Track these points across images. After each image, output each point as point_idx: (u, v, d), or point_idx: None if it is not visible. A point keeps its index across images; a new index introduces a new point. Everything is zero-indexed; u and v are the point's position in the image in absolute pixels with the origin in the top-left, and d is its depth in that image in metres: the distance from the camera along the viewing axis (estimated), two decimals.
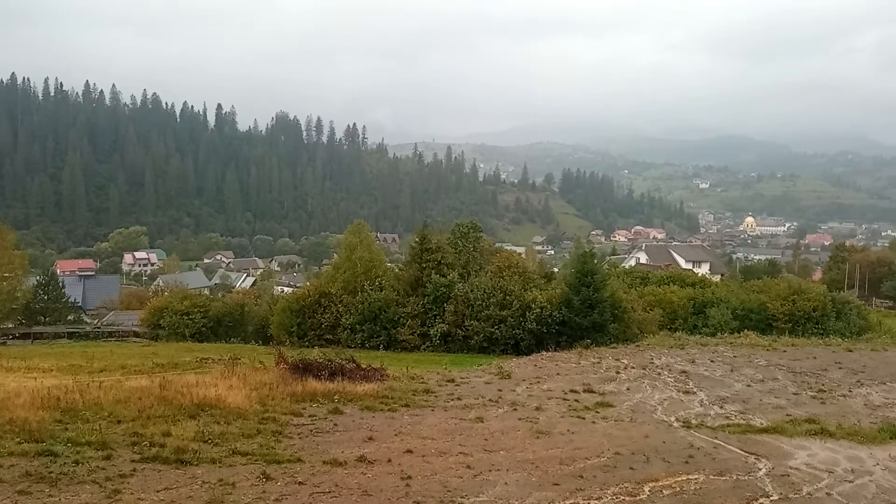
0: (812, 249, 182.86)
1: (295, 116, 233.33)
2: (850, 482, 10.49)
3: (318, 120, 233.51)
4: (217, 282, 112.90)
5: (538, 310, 32.86)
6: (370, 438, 11.59)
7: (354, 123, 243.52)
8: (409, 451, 10.84)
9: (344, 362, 16.88)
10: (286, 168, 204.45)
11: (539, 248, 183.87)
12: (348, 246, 40.26)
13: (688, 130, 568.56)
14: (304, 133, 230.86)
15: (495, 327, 33.03)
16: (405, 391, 15.74)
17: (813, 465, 11.27)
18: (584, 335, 30.98)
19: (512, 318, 33.08)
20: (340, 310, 36.06)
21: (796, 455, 11.78)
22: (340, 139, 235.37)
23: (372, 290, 35.59)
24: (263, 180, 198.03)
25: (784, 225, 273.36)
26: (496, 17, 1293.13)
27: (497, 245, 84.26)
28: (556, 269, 62.62)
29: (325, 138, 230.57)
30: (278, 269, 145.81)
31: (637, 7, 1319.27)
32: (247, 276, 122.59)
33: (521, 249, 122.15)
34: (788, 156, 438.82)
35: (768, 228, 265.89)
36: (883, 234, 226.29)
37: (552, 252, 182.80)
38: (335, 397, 14.23)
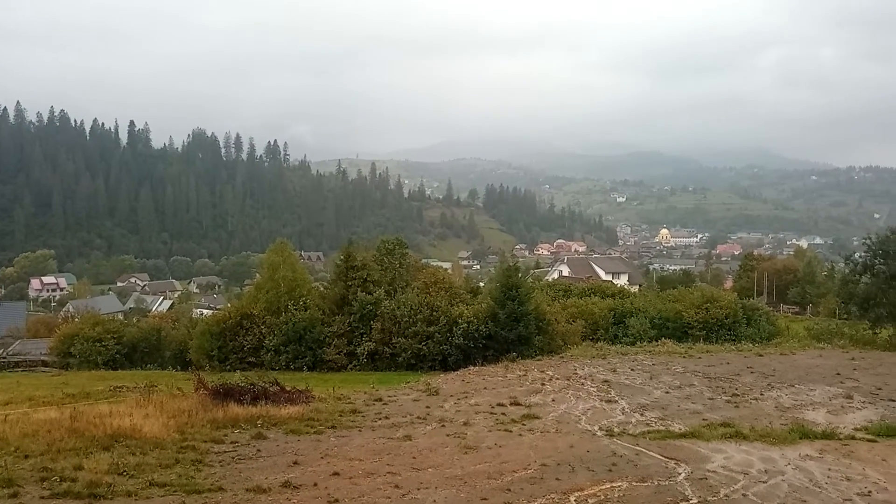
0: (723, 259, 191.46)
1: (212, 133, 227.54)
2: (763, 482, 10.96)
3: (237, 136, 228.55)
4: (132, 306, 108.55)
5: (465, 325, 32.95)
6: (295, 463, 11.33)
7: (275, 140, 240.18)
8: (336, 474, 10.65)
9: (267, 385, 16.46)
10: (204, 186, 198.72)
11: (465, 262, 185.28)
12: (271, 265, 39.34)
13: (604, 146, 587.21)
14: (223, 150, 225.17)
15: (423, 344, 32.91)
16: (331, 412, 15.48)
17: (729, 468, 11.72)
18: (511, 348, 31.27)
19: (439, 333, 33.04)
20: (263, 331, 35.11)
21: (713, 458, 12.23)
22: (261, 156, 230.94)
23: (296, 309, 34.86)
24: (180, 199, 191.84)
25: (696, 236, 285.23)
26: (415, 33, 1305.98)
27: (423, 261, 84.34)
28: (482, 284, 63.13)
29: (244, 155, 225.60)
30: (197, 290, 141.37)
31: (550, 26, 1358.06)
32: (163, 299, 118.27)
33: (447, 265, 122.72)
34: (699, 170, 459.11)
35: (682, 240, 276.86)
36: (788, 242, 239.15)
37: (478, 266, 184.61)
38: (258, 422, 13.85)
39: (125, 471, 10.51)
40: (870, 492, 10.39)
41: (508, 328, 32.64)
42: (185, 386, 18.42)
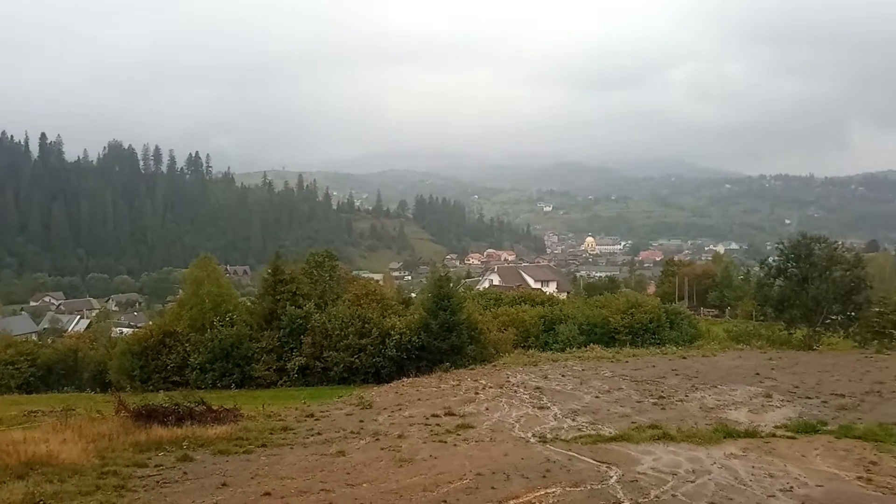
0: (646, 265, 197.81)
1: (130, 145, 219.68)
2: (692, 482, 11.24)
3: (157, 149, 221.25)
4: (46, 326, 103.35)
5: (397, 336, 32.83)
6: (224, 484, 10.89)
7: (197, 152, 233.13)
8: (268, 494, 10.30)
9: (193, 405, 15.85)
10: (122, 200, 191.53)
11: (396, 273, 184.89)
12: (194, 281, 38.17)
13: (530, 157, 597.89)
14: (141, 163, 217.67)
15: (355, 356, 32.58)
16: (261, 430, 15.01)
17: (658, 469, 11.98)
18: (444, 358, 31.32)
19: (371, 346, 32.79)
20: (188, 349, 34.00)
21: (643, 460, 12.48)
22: (182, 168, 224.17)
23: (222, 326, 33.91)
24: (96, 214, 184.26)
25: (620, 243, 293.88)
26: (340, 45, 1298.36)
27: (354, 273, 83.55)
28: (413, 295, 63.10)
29: (164, 168, 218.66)
30: (116, 308, 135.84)
31: (475, 39, 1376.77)
32: (80, 318, 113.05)
33: (378, 276, 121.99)
34: (620, 179, 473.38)
35: (606, 247, 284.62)
36: (706, 248, 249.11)
37: (409, 277, 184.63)
38: (184, 443, 13.28)
39: (42, 500, 9.91)
40: (791, 487, 10.80)
41: (441, 338, 32.70)
42: (104, 409, 17.55)
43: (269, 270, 37.24)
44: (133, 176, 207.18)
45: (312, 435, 14.91)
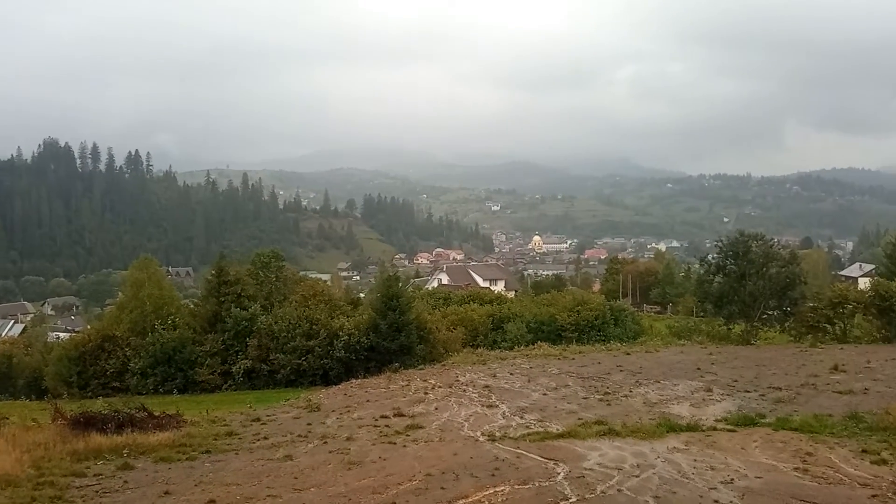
0: (591, 263, 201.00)
1: (66, 143, 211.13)
2: (636, 476, 11.48)
3: (94, 146, 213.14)
4: None
5: (346, 337, 32.42)
6: (166, 493, 10.62)
7: (137, 150, 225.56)
8: (212, 501, 10.09)
9: (133, 412, 15.37)
10: (58, 200, 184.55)
11: (345, 274, 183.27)
12: (134, 283, 36.99)
13: (478, 156, 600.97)
14: (79, 161, 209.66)
15: (302, 358, 32.05)
16: (205, 436, 14.68)
17: (604, 465, 12.20)
18: (393, 359, 31.10)
19: (319, 347, 32.31)
20: (128, 353, 32.90)
21: (589, 456, 12.69)
22: (121, 167, 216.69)
23: (164, 329, 32.96)
24: (31, 214, 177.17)
25: (566, 242, 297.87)
26: (287, 39, 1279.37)
27: (301, 273, 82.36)
28: (362, 295, 62.66)
29: (102, 166, 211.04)
30: (52, 312, 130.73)
31: (422, 38, 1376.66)
32: (14, 322, 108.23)
33: (326, 276, 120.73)
34: (566, 178, 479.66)
35: (553, 246, 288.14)
36: (648, 246, 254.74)
37: (358, 277, 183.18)
38: (124, 451, 12.88)
39: None
40: (732, 479, 11.13)
41: (390, 339, 32.46)
42: (40, 417, 16.91)
43: (213, 271, 36.33)
44: (70, 175, 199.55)
45: (258, 439, 14.66)
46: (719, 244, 35.94)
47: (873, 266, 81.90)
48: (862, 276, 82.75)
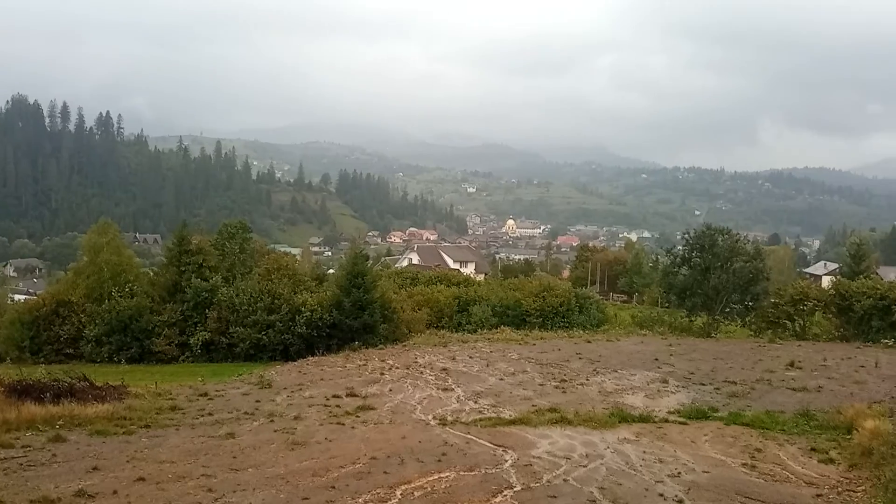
0: (563, 249, 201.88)
1: (36, 100, 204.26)
2: (584, 466, 11.33)
3: (65, 105, 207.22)
4: None
5: (308, 313, 32.01)
6: (95, 468, 10.15)
7: (108, 111, 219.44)
8: (141, 479, 9.66)
9: (74, 381, 14.83)
10: (24, 159, 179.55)
11: (316, 249, 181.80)
12: (92, 248, 35.96)
13: (456, 137, 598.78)
14: (48, 120, 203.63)
15: (263, 333, 31.57)
16: (147, 410, 14.19)
17: (553, 453, 12.04)
18: (355, 337, 30.80)
19: (281, 322, 31.85)
20: (83, 320, 32.13)
21: (539, 444, 12.53)
22: (91, 128, 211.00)
23: (121, 297, 32.19)
24: None
25: (540, 227, 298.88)
26: (267, 9, 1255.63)
27: (271, 246, 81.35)
28: (332, 271, 62.02)
29: (72, 126, 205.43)
30: (14, 274, 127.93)
31: (405, 16, 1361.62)
32: None
33: (297, 251, 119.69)
34: (543, 164, 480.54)
35: (527, 230, 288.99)
36: (620, 235, 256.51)
37: (329, 253, 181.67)
38: (59, 423, 12.38)
39: None
40: (679, 473, 11.03)
41: (353, 316, 32.13)
42: None
43: (174, 240, 35.57)
44: (38, 133, 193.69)
45: (203, 415, 14.24)
46: (686, 237, 36.08)
47: (837, 265, 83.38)
48: (826, 274, 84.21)
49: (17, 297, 68.09)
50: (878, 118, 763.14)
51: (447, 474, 10.67)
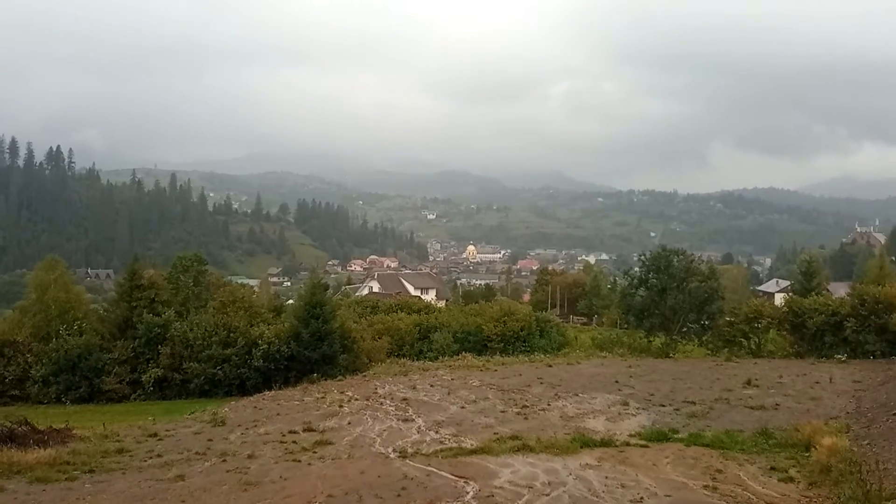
0: (522, 273, 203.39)
1: None
2: (546, 495, 11.14)
3: (13, 140, 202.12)
4: None
5: (265, 346, 31.33)
6: None
7: (58, 146, 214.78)
8: None
9: (14, 426, 14.10)
10: None
11: (275, 279, 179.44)
12: (39, 285, 34.78)
13: (415, 164, 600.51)
14: None
15: (218, 368, 30.76)
16: (92, 454, 13.54)
17: (515, 482, 11.83)
18: (314, 368, 30.20)
19: (237, 356, 31.10)
20: (29, 360, 30.91)
21: (501, 474, 12.30)
22: (41, 163, 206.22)
23: (69, 335, 31.09)
24: None
25: (500, 252, 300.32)
26: (218, 40, 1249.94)
27: (229, 278, 79.81)
28: (291, 301, 61.03)
29: (21, 161, 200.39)
30: None
31: (359, 45, 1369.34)
32: None
33: (255, 282, 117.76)
34: (502, 189, 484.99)
35: (487, 255, 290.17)
36: (578, 258, 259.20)
37: (289, 283, 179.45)
38: None
39: None
40: (642, 498, 10.92)
41: (312, 348, 31.55)
42: None
43: (125, 275, 34.62)
44: None
45: (151, 457, 13.64)
46: (643, 258, 36.51)
47: (789, 282, 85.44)
48: (778, 291, 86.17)
49: None
50: (824, 139, 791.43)
51: None
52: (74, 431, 15.33)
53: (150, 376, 30.28)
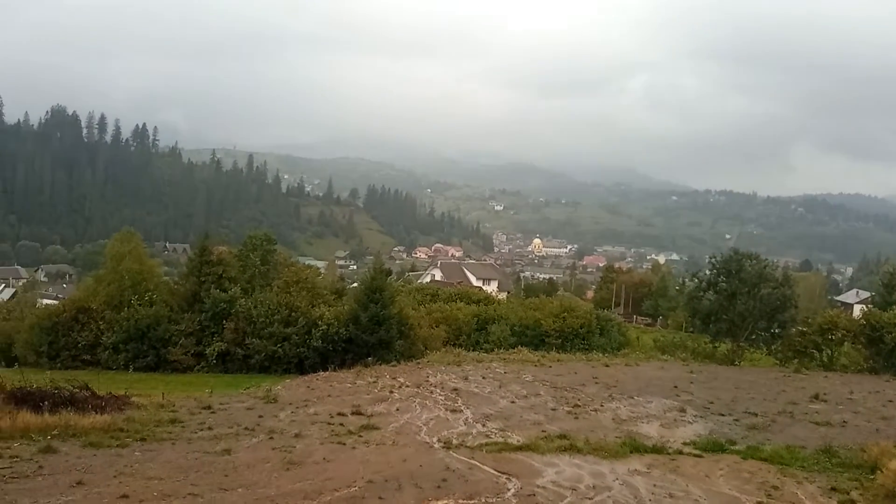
0: (588, 270, 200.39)
1: (74, 112, 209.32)
2: (590, 499, 10.79)
3: (102, 117, 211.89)
4: None
5: (325, 327, 31.86)
6: (79, 483, 9.88)
7: (144, 123, 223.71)
8: (125, 497, 9.36)
9: (75, 390, 14.66)
10: (61, 168, 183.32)
11: (342, 262, 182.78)
12: (114, 256, 36.26)
13: (485, 155, 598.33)
14: (85, 131, 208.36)
15: (278, 345, 31.49)
16: (147, 422, 13.94)
17: (559, 483, 11.52)
18: (371, 352, 30.50)
19: (297, 335, 31.75)
20: (102, 327, 32.36)
21: (545, 473, 12.01)
22: (127, 140, 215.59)
23: (140, 305, 32.35)
24: (33, 180, 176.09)
25: (567, 247, 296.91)
26: (299, 27, 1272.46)
27: (297, 259, 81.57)
28: (355, 285, 61.97)
29: (108, 138, 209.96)
30: (45, 279, 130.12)
31: (433, 34, 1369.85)
32: (5, 286, 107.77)
33: (322, 264, 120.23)
34: (571, 184, 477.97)
35: (553, 249, 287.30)
36: (648, 257, 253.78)
37: (355, 267, 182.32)
38: (53, 432, 12.16)
39: None
40: None
41: (370, 332, 31.87)
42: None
43: (196, 250, 35.75)
44: (75, 143, 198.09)
45: (202, 429, 13.94)
46: (713, 261, 35.24)
47: (870, 293, 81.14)
48: (858, 302, 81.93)
49: (46, 301, 69.17)
50: None
51: (444, 502, 10.24)
52: (133, 399, 15.86)
53: (214, 350, 31.20)
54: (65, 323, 32.95)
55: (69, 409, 13.48)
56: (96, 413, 13.58)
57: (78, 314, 33.16)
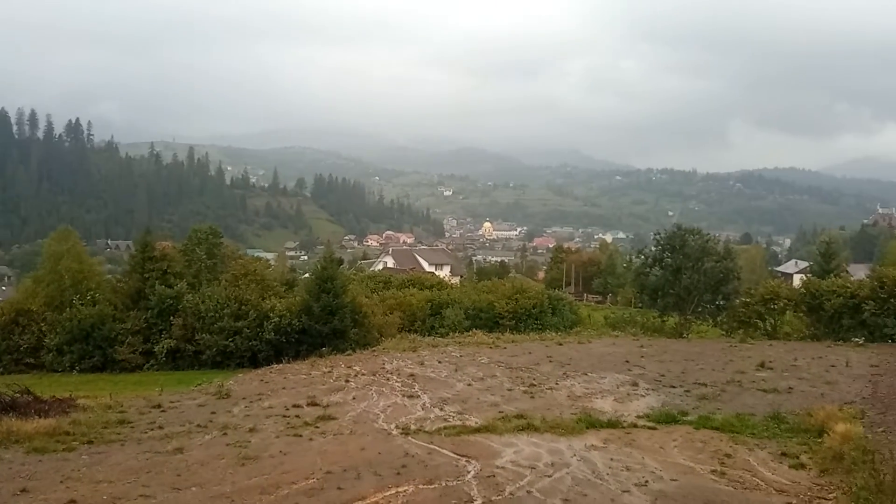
0: (539, 251, 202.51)
1: (3, 108, 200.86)
2: (549, 476, 10.88)
3: (33, 113, 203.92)
4: None
5: (277, 319, 31.47)
6: (24, 490, 9.47)
7: (77, 118, 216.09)
8: (73, 502, 9.03)
9: (15, 394, 14.07)
10: None
11: (292, 253, 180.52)
12: (52, 255, 35.08)
13: (432, 141, 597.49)
14: (15, 128, 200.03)
15: (230, 340, 30.98)
16: (93, 424, 13.44)
17: (518, 463, 11.58)
18: (325, 342, 30.25)
19: (248, 329, 31.29)
20: (43, 329, 31.29)
21: (504, 453, 12.06)
22: (61, 135, 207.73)
23: (83, 305, 31.33)
24: None
25: (516, 229, 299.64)
26: (236, 16, 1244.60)
27: (246, 252, 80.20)
28: (306, 275, 61.24)
29: (41, 134, 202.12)
30: None
31: (379, 20, 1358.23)
32: None
33: (271, 255, 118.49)
34: (519, 167, 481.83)
35: (503, 233, 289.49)
36: (595, 236, 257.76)
37: (306, 258, 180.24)
38: None
39: None
40: (647, 481, 10.63)
41: (323, 322, 31.64)
42: None
43: (138, 246, 34.78)
44: (6, 141, 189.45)
45: (152, 429, 13.52)
46: (658, 237, 35.99)
47: (808, 263, 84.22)
48: (797, 272, 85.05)
49: None
50: (847, 119, 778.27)
51: (405, 488, 10.18)
52: (78, 401, 15.31)
53: (163, 347, 30.52)
54: (4, 326, 31.90)
55: (10, 414, 12.92)
56: (39, 417, 13.05)
57: (17, 316, 32.09)
